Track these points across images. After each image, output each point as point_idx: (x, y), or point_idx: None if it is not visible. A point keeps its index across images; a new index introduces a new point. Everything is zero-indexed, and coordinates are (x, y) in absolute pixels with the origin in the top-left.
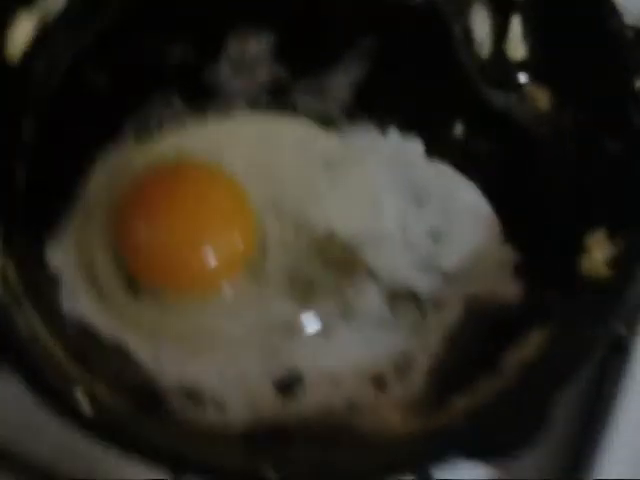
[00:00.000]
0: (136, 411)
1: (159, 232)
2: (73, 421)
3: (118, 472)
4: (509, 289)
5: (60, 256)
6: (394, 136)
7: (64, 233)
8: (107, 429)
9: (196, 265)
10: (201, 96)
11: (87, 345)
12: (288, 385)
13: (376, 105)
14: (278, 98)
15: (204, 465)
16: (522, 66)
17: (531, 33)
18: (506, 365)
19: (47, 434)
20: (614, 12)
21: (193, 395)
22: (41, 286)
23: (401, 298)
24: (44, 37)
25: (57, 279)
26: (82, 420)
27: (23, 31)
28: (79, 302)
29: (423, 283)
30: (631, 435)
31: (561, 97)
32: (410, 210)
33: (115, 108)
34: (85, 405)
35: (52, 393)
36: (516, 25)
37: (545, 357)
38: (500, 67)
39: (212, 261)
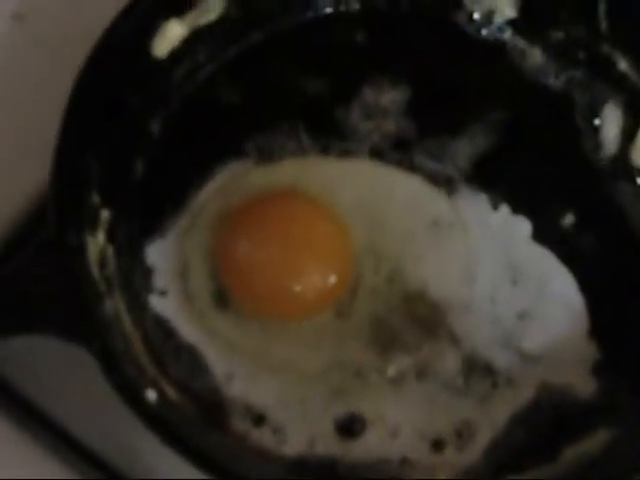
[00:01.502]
0: (198, 417)
1: (258, 253)
2: (137, 410)
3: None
4: (584, 384)
5: (158, 254)
6: (504, 212)
7: (167, 234)
8: (170, 428)
9: (286, 292)
10: (327, 133)
11: (164, 342)
12: (348, 427)
13: (493, 179)
14: (399, 151)
15: None
16: None
17: None
18: (566, 456)
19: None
20: None
21: (255, 415)
22: (133, 277)
23: (477, 368)
24: (190, 43)
25: (150, 275)
26: (146, 412)
27: (173, 34)
28: (166, 301)
29: (501, 359)
30: None
31: None
32: (503, 286)
33: (242, 127)
34: (152, 398)
35: (127, 382)
36: None
37: (607, 457)
38: (623, 169)
39: (303, 292)
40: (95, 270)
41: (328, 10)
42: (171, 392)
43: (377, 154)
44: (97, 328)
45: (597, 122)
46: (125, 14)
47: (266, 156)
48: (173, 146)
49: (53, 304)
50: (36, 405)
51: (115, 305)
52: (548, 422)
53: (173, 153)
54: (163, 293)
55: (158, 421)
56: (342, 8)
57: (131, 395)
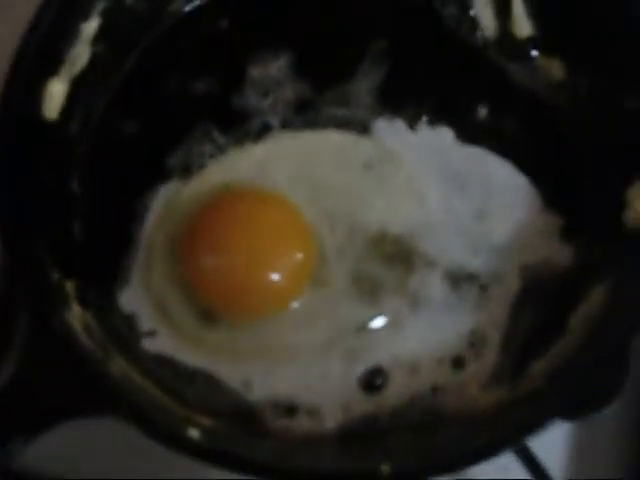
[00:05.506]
0: (238, 432)
1: (223, 261)
2: (190, 452)
3: None
4: (560, 253)
5: (131, 299)
6: (423, 128)
7: (131, 277)
8: (220, 454)
9: (264, 287)
10: (234, 123)
11: (174, 379)
12: (371, 381)
13: (400, 103)
14: (307, 113)
15: (318, 473)
16: (531, 41)
17: (534, 9)
18: (573, 325)
19: None
20: None
21: (285, 407)
22: (120, 330)
23: (461, 280)
24: (75, 94)
25: (133, 322)
26: (197, 449)
27: (56, 93)
28: (158, 340)
29: (478, 262)
30: None
31: (574, 65)
32: (452, 195)
33: (155, 150)
34: (196, 436)
35: (165, 430)
36: (517, 4)
37: (610, 309)
38: (510, 46)
39: (278, 280)
40: (86, 341)
41: (182, 10)
42: (204, 420)
43: (286, 123)
44: (116, 395)
45: (472, 13)
46: (7, 89)
47: (188, 168)
48: (100, 195)
49: (67, 392)
50: None
51: (119, 365)
52: (544, 301)
53: (103, 202)
54: (152, 334)
55: (211, 452)
56: (195, 4)
57: (176, 441)
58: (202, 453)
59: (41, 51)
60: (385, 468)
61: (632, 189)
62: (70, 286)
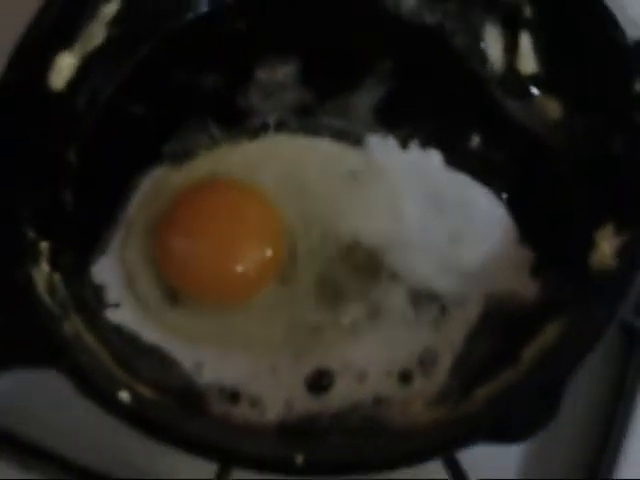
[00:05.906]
0: (177, 409)
1: (195, 246)
2: (112, 411)
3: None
4: (527, 287)
5: (104, 270)
6: (414, 148)
7: (108, 249)
8: (149, 422)
9: (229, 276)
10: (234, 120)
11: (129, 350)
12: (318, 382)
13: (397, 122)
14: (305, 119)
15: (235, 454)
16: (533, 79)
17: (540, 48)
18: (525, 357)
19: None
20: (615, 25)
21: (229, 394)
22: (85, 296)
23: (424, 298)
24: (85, 70)
25: (101, 291)
26: (121, 411)
27: (65, 66)
28: (121, 311)
29: (444, 283)
30: None
31: (571, 106)
32: (430, 216)
33: (153, 134)
34: (126, 399)
35: (99, 390)
36: (525, 41)
37: (560, 345)
38: (513, 81)
39: (244, 271)
40: (46, 298)
41: (205, 8)
42: (146, 391)
43: (283, 126)
44: (60, 349)
45: (482, 45)
46: (17, 55)
47: (181, 156)
48: (94, 168)
49: (16, 340)
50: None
51: (74, 325)
52: (501, 330)
53: (95, 175)
54: (117, 305)
55: (136, 417)
56: (219, 3)
57: (104, 399)
58: (128, 417)
59: (56, 24)
60: (299, 458)
61: (601, 231)
62: (44, 247)
